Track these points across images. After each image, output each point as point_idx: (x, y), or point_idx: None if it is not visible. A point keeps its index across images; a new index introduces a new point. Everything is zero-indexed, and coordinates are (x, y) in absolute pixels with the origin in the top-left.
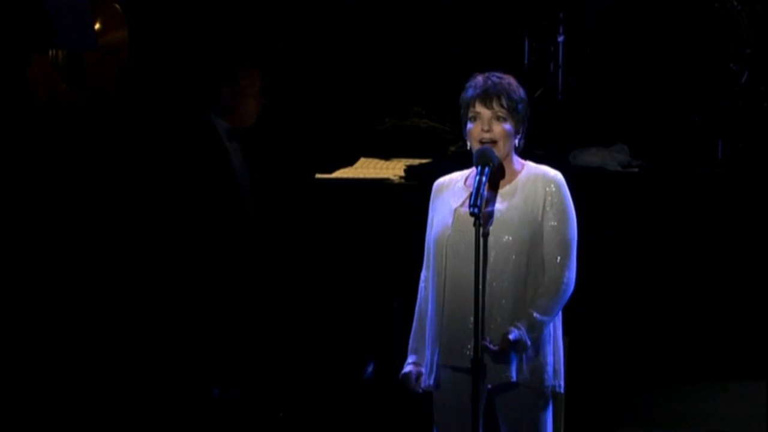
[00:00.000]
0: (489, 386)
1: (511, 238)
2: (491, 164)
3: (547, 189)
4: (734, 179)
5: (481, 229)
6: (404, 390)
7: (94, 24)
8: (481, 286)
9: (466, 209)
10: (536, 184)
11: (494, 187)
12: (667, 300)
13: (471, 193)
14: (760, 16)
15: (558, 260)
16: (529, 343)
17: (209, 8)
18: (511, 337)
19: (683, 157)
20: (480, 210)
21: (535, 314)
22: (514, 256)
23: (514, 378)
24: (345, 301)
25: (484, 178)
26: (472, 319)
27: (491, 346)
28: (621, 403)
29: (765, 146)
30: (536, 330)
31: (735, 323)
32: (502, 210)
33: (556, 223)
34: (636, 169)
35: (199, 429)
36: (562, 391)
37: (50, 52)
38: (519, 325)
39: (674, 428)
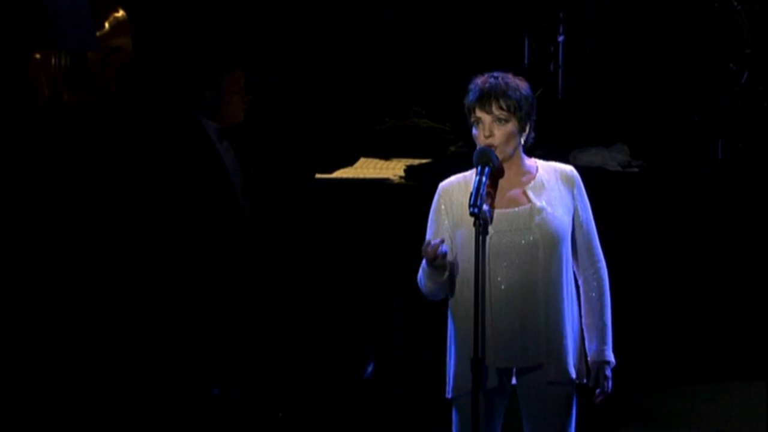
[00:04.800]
0: (514, 382)
1: (557, 231)
2: (491, 164)
3: (572, 182)
4: (734, 179)
5: (482, 228)
6: (403, 390)
7: (101, 26)
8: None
9: (501, 209)
10: (560, 178)
11: (518, 186)
12: (668, 300)
13: (471, 193)
14: (760, 16)
15: (595, 255)
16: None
17: (210, 8)
18: (608, 372)
19: (683, 157)
20: (480, 210)
21: (607, 322)
22: (562, 249)
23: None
24: (345, 300)
25: (484, 178)
26: (520, 321)
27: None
28: (621, 403)
29: (765, 146)
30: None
31: (735, 323)
32: (542, 205)
33: (585, 216)
34: (636, 169)
35: (199, 429)
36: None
37: (53, 55)
38: (604, 349)
39: (674, 428)
